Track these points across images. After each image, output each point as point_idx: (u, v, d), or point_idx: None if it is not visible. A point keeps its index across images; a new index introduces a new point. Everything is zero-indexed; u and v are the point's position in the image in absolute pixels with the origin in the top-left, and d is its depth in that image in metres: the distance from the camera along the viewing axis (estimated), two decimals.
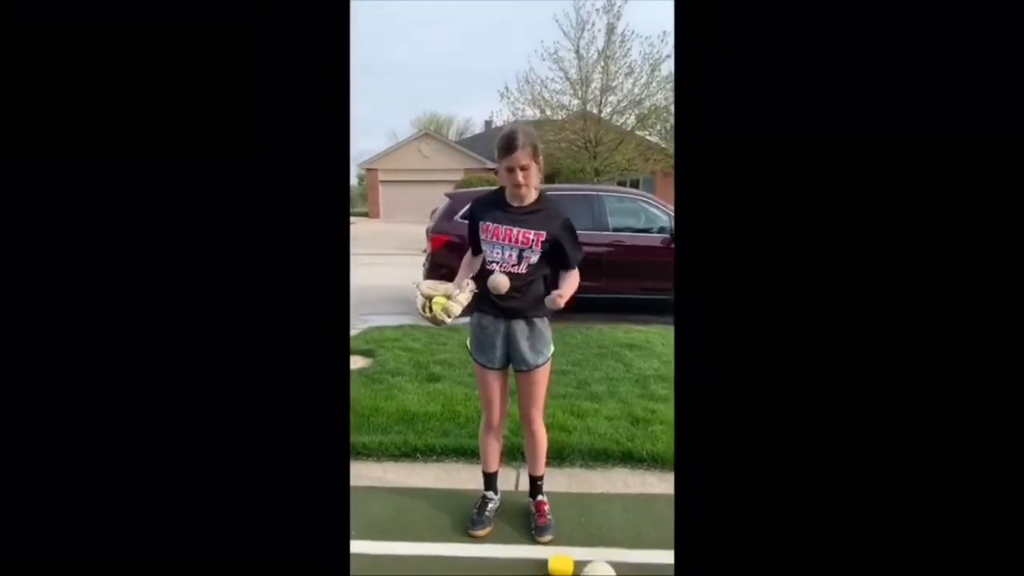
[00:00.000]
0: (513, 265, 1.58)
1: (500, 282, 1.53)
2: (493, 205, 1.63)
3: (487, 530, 1.75)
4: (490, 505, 1.81)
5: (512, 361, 1.69)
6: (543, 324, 1.67)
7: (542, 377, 1.70)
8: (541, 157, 1.58)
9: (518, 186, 1.55)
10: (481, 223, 1.62)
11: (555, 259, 1.62)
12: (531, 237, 1.57)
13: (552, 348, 1.71)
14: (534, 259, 1.58)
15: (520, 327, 1.64)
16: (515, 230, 1.58)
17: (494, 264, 1.59)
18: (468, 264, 1.72)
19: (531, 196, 1.61)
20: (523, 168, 1.53)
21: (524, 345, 1.64)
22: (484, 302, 1.64)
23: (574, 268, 1.64)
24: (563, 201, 6.04)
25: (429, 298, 1.59)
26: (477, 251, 1.68)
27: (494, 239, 1.59)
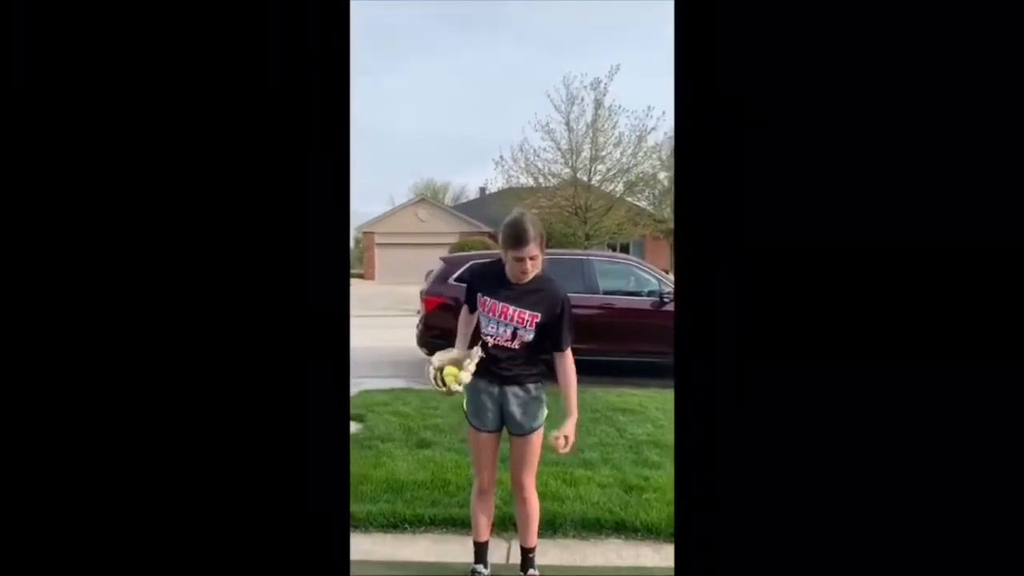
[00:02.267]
0: (507, 340, 1.63)
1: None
2: (493, 279, 1.68)
3: None
4: None
5: (508, 425, 1.70)
6: (537, 389, 1.69)
7: (535, 442, 1.70)
8: (544, 244, 1.64)
9: (524, 273, 1.61)
10: (479, 295, 1.67)
11: (548, 338, 1.67)
12: (527, 317, 1.62)
13: (547, 412, 1.72)
14: (528, 337, 1.64)
15: (514, 391, 1.66)
16: (512, 308, 1.63)
17: (489, 338, 1.64)
18: (465, 322, 1.76)
19: (531, 276, 1.66)
20: (532, 259, 1.59)
21: (517, 410, 1.66)
22: (479, 369, 1.67)
23: (564, 350, 1.67)
24: (554, 265, 6.13)
25: (440, 368, 1.63)
26: (472, 309, 1.72)
27: (491, 314, 1.64)
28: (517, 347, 1.63)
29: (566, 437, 1.60)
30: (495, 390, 1.67)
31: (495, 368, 1.64)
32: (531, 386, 1.67)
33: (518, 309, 1.62)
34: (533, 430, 1.68)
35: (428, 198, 26.51)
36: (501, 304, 1.63)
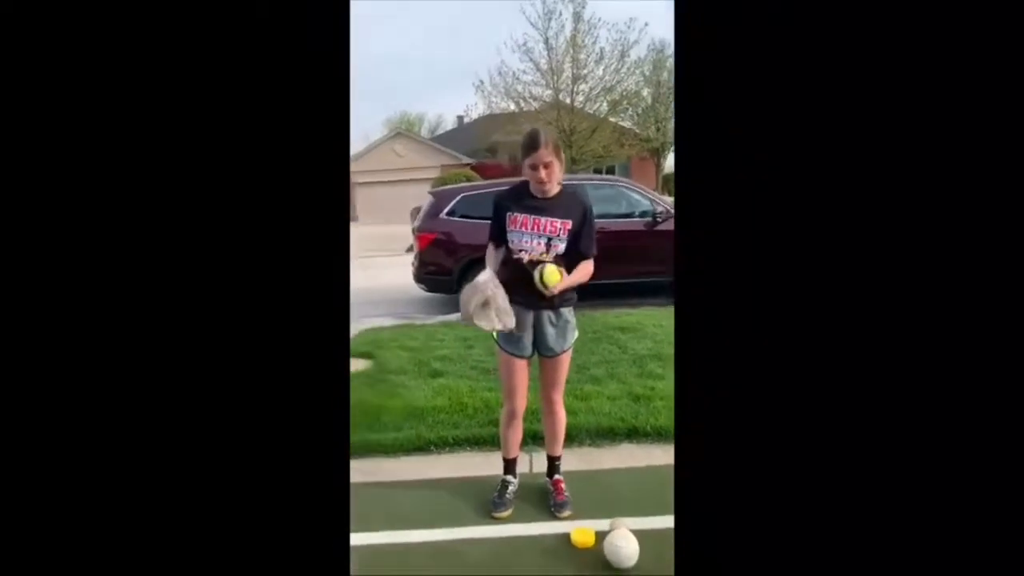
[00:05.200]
0: (541, 253, 1.65)
1: (549, 274, 1.56)
2: (519, 197, 1.69)
3: (509, 511, 1.83)
4: (510, 488, 1.89)
5: (539, 348, 1.77)
6: (568, 312, 1.75)
7: (565, 361, 1.79)
8: (562, 155, 1.65)
9: (541, 182, 1.62)
10: (508, 215, 1.67)
11: (577, 246, 1.68)
12: (558, 226, 1.65)
13: (576, 334, 1.79)
14: (561, 247, 1.66)
15: (548, 315, 1.72)
16: (543, 219, 1.64)
17: (523, 253, 1.66)
18: (492, 256, 1.76)
19: (555, 189, 1.68)
20: (546, 165, 1.60)
21: (551, 332, 1.73)
22: (514, 292, 1.68)
23: (590, 258, 1.71)
24: None
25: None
26: (499, 243, 1.73)
27: (522, 229, 1.66)
28: (552, 260, 1.65)
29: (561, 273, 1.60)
30: (530, 316, 1.71)
31: (530, 288, 1.63)
32: (564, 310, 1.72)
33: (549, 219, 1.64)
34: (565, 351, 1.76)
35: (404, 131, 25.48)
36: (532, 217, 1.64)
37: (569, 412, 2.47)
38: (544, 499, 1.88)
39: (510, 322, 1.65)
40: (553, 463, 1.91)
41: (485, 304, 1.62)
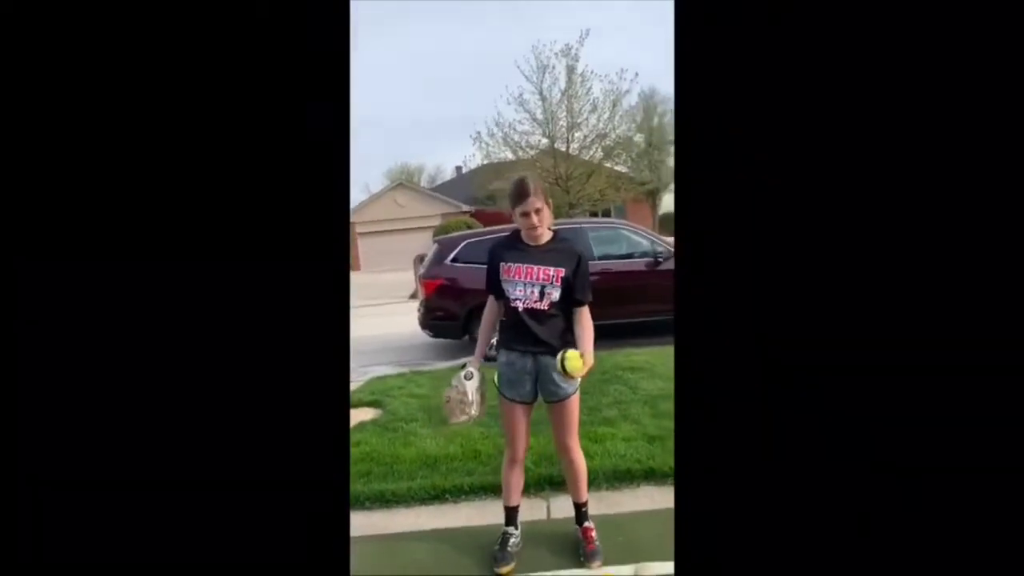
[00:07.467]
0: (536, 301, 1.67)
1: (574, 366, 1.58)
2: (511, 247, 1.72)
3: (511, 565, 1.77)
4: (511, 540, 1.84)
5: (542, 394, 1.75)
6: None
7: (573, 406, 1.76)
8: (550, 200, 1.70)
9: (533, 228, 1.66)
10: (502, 265, 1.71)
11: (571, 294, 1.70)
12: (551, 273, 1.66)
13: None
14: (555, 295, 1.67)
15: (549, 361, 1.69)
16: (536, 268, 1.66)
17: (517, 302, 1.68)
18: (492, 308, 1.80)
19: (546, 235, 1.71)
20: (537, 211, 1.64)
21: (554, 377, 1.70)
22: (512, 340, 1.72)
23: (584, 305, 1.73)
24: None
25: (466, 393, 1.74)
26: (500, 295, 1.75)
27: (516, 278, 1.68)
28: (546, 307, 1.67)
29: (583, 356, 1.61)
30: (528, 362, 1.71)
31: (527, 337, 1.67)
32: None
33: (542, 267, 1.66)
34: (569, 395, 1.74)
35: (405, 182, 26.14)
36: (525, 266, 1.66)
37: (585, 455, 2.43)
38: (563, 545, 1.83)
39: (473, 412, 1.75)
40: (580, 510, 1.86)
41: (448, 402, 1.77)
